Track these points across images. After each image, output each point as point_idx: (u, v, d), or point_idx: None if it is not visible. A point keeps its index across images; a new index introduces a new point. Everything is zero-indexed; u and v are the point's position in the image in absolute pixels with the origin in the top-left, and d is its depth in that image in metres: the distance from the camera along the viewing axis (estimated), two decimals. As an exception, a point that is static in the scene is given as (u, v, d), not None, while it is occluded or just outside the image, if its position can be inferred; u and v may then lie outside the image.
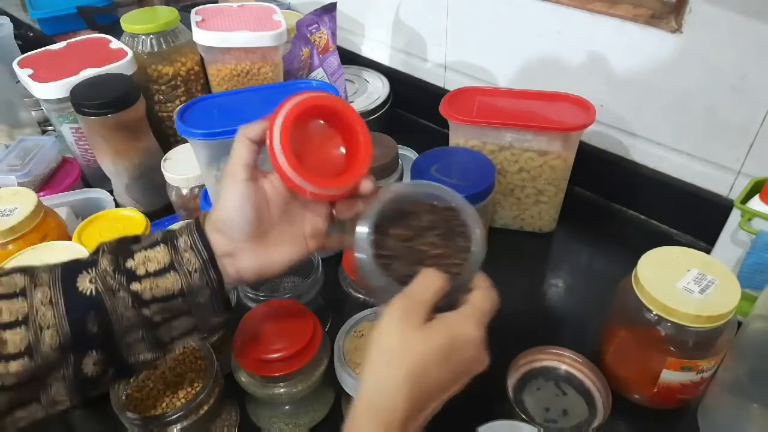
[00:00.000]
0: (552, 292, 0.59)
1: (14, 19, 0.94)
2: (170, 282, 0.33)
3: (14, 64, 0.66)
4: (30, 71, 0.64)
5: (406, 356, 0.29)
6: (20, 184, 0.62)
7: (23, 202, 0.53)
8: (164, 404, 0.43)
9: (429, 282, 0.32)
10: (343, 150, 0.37)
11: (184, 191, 0.62)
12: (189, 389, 0.43)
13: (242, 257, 0.35)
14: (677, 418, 0.47)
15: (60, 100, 0.63)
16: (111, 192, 0.68)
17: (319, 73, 0.64)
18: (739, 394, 0.42)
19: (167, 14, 0.70)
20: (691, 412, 0.46)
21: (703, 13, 0.52)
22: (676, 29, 0.55)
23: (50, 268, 0.34)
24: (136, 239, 0.35)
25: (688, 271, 0.43)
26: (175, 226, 0.37)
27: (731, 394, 0.43)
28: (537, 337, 0.50)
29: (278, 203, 0.36)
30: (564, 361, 0.48)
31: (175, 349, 0.39)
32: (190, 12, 0.69)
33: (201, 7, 0.70)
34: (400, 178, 0.56)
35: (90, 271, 0.33)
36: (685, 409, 0.46)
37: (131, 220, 0.55)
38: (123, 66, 0.65)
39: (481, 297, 0.33)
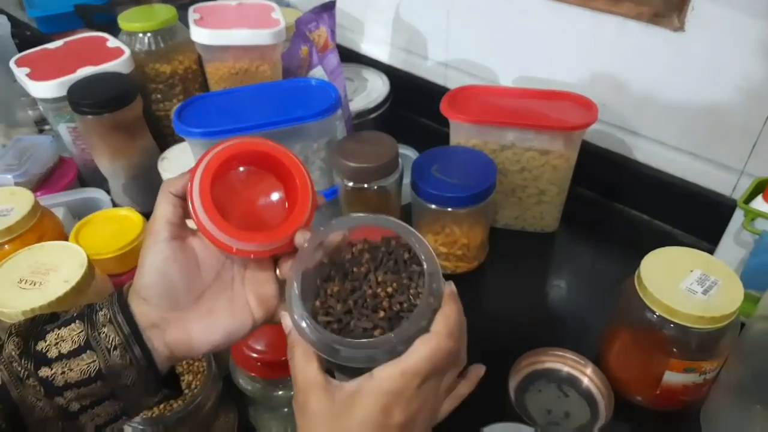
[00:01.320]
0: (554, 293, 0.59)
1: (11, 18, 0.93)
2: (85, 363, 0.29)
3: (11, 63, 0.65)
4: (27, 70, 0.63)
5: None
6: (17, 184, 0.61)
7: (20, 202, 0.52)
8: (162, 406, 0.42)
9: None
10: (280, 198, 0.33)
11: (183, 191, 0.61)
12: (187, 391, 0.43)
13: (171, 329, 0.30)
14: (680, 420, 0.46)
15: (57, 99, 0.63)
16: (108, 192, 0.67)
17: (318, 72, 0.64)
18: (742, 395, 0.42)
19: (165, 12, 0.70)
20: (694, 414, 0.46)
21: (706, 11, 0.52)
22: (679, 28, 0.54)
23: None
24: (52, 317, 0.31)
25: (691, 271, 0.42)
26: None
27: (734, 395, 0.43)
28: (539, 338, 0.50)
29: (211, 265, 0.32)
30: (566, 363, 0.48)
31: None
32: (187, 10, 0.68)
33: (199, 5, 0.70)
34: (401, 178, 0.56)
35: None
36: (688, 410, 0.46)
37: (128, 220, 0.55)
38: (120, 65, 0.64)
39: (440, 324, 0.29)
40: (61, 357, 0.29)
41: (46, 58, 0.66)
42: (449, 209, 0.54)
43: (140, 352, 0.30)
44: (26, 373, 0.28)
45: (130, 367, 0.30)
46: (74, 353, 0.29)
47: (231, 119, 0.52)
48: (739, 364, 0.42)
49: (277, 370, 0.42)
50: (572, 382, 0.47)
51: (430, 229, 0.57)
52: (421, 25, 0.78)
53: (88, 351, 0.29)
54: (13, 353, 0.29)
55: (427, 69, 0.81)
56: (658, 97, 0.59)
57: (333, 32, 0.63)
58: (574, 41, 0.63)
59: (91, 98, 0.60)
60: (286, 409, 0.46)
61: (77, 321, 0.30)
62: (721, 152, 0.57)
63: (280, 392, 0.43)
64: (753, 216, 0.47)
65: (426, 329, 0.29)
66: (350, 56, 0.88)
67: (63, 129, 0.67)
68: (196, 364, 0.45)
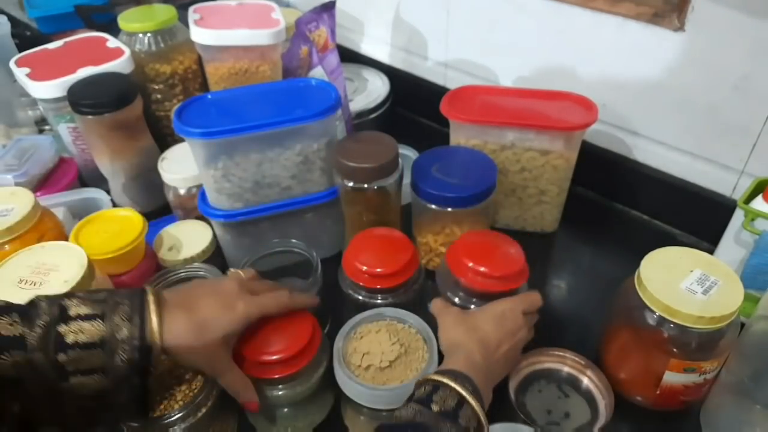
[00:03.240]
0: (554, 293, 0.59)
1: (11, 18, 0.93)
2: (95, 329, 0.33)
3: (11, 63, 0.65)
4: (27, 70, 0.63)
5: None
6: (17, 184, 0.61)
7: (20, 202, 0.52)
8: (162, 406, 0.42)
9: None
10: None
11: (182, 191, 0.61)
12: (187, 391, 0.43)
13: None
14: (680, 420, 0.46)
15: (57, 100, 0.63)
16: (108, 192, 0.67)
17: (318, 72, 0.64)
18: (742, 395, 0.42)
19: (165, 12, 0.69)
20: (694, 414, 0.46)
21: (706, 11, 0.52)
22: (679, 28, 0.54)
23: None
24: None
25: (691, 271, 0.42)
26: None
27: (734, 395, 0.43)
28: (539, 338, 0.50)
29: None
30: (566, 363, 0.48)
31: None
32: (187, 10, 0.68)
33: (199, 5, 0.70)
34: (401, 178, 0.56)
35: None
36: (688, 410, 0.46)
37: (128, 220, 0.55)
38: (120, 65, 0.64)
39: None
40: (77, 318, 0.33)
41: (46, 58, 0.66)
42: (449, 209, 0.54)
43: (139, 353, 0.34)
44: (47, 324, 0.32)
45: (128, 350, 0.34)
46: (88, 317, 0.33)
47: (231, 119, 0.52)
48: (739, 364, 0.42)
49: (278, 370, 0.42)
50: (572, 382, 0.47)
51: (430, 229, 0.57)
52: (421, 25, 0.78)
53: (97, 320, 0.33)
54: (44, 306, 0.33)
55: (427, 69, 0.81)
56: (658, 97, 0.59)
57: (333, 32, 0.63)
58: (574, 41, 0.63)
59: (91, 98, 0.60)
60: (286, 409, 0.46)
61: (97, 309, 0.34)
62: (721, 152, 0.57)
63: (281, 392, 0.43)
64: (753, 216, 0.47)
65: None
66: (350, 56, 0.88)
67: (63, 129, 0.67)
68: (196, 364, 0.45)
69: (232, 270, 0.45)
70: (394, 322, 0.46)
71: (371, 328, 0.45)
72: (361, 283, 0.48)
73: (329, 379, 0.44)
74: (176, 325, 0.36)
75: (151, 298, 0.36)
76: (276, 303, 0.41)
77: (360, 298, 0.49)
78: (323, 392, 0.47)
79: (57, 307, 0.33)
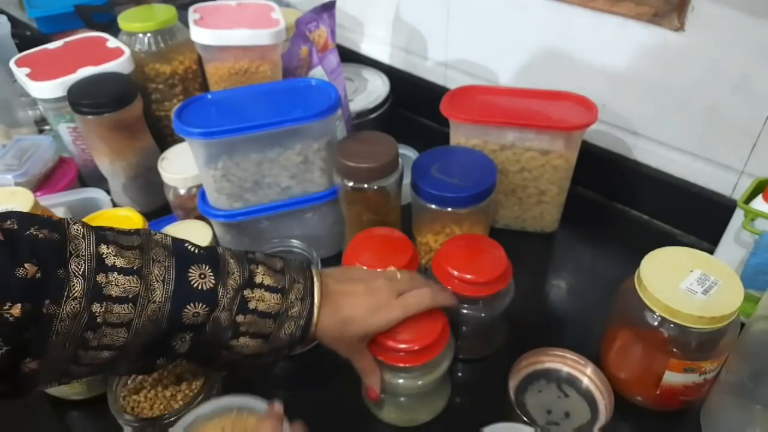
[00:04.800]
0: (554, 294, 0.59)
1: (11, 18, 0.93)
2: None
3: (11, 63, 0.65)
4: (27, 70, 0.63)
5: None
6: (17, 184, 0.61)
7: (20, 202, 0.52)
8: (162, 406, 0.42)
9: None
10: None
11: (182, 191, 0.61)
12: (187, 391, 0.43)
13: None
14: (680, 419, 0.46)
15: (57, 100, 0.63)
16: (108, 192, 0.67)
17: (318, 72, 0.64)
18: (742, 395, 0.42)
19: (165, 12, 0.70)
20: (694, 414, 0.46)
21: (706, 11, 0.52)
22: (679, 28, 0.54)
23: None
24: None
25: (691, 271, 0.42)
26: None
27: (734, 395, 0.43)
28: (539, 338, 0.50)
29: None
30: (566, 363, 0.48)
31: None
32: (187, 10, 0.68)
33: (199, 5, 0.70)
34: (401, 178, 0.56)
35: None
36: (688, 410, 0.46)
37: (128, 220, 0.55)
38: (120, 65, 0.64)
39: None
40: (261, 286, 0.37)
41: (46, 58, 0.66)
42: (449, 209, 0.54)
43: (301, 331, 0.38)
44: (238, 287, 0.36)
45: (293, 327, 0.38)
46: (270, 289, 0.37)
47: (231, 119, 0.52)
48: (739, 364, 0.42)
49: (401, 358, 0.42)
50: (572, 382, 0.47)
51: (430, 229, 0.57)
52: (421, 25, 0.78)
53: (278, 294, 0.37)
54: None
55: (427, 69, 0.81)
56: (658, 97, 0.59)
57: (333, 32, 0.63)
58: (574, 41, 0.63)
59: (91, 98, 0.60)
60: (402, 399, 0.46)
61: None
62: (721, 152, 0.57)
63: (400, 381, 0.43)
64: (753, 216, 0.47)
65: None
66: (350, 56, 0.88)
67: (63, 129, 0.67)
68: (196, 364, 0.45)
69: (392, 268, 0.46)
70: (244, 414, 0.37)
71: (211, 428, 0.37)
72: None
73: (445, 382, 0.45)
74: (325, 318, 0.39)
75: (317, 285, 0.39)
76: (417, 305, 0.41)
77: None
78: (438, 392, 0.47)
79: (246, 270, 0.36)
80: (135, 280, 0.32)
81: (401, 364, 0.41)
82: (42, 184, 0.66)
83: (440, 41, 0.77)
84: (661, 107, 0.60)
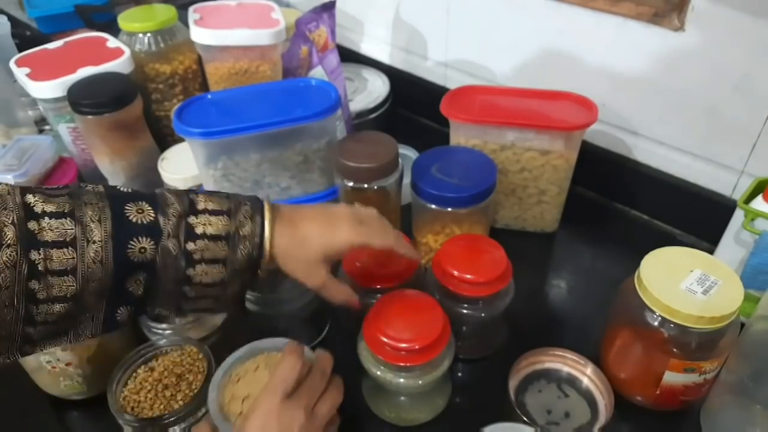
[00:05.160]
0: (554, 293, 0.59)
1: (11, 18, 0.93)
2: (222, 224, 0.36)
3: (11, 63, 0.65)
4: (27, 70, 0.63)
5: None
6: (17, 184, 0.61)
7: (19, 202, 0.52)
8: (162, 406, 0.42)
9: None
10: None
11: (183, 191, 0.61)
12: (187, 391, 0.43)
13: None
14: (680, 419, 0.46)
15: (57, 99, 0.63)
16: (109, 192, 0.67)
17: (318, 72, 0.64)
18: (742, 395, 0.42)
19: (165, 12, 0.69)
20: (694, 414, 0.46)
21: (706, 11, 0.52)
22: (679, 27, 0.54)
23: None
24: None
25: (691, 271, 0.42)
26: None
27: (734, 395, 0.43)
28: (539, 338, 0.50)
29: None
30: (566, 363, 0.48)
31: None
32: (187, 10, 0.68)
33: (199, 5, 0.70)
34: (401, 178, 0.56)
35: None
36: (688, 410, 0.46)
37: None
38: (120, 65, 0.64)
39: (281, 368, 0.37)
40: (205, 211, 0.36)
41: (46, 58, 0.66)
42: (449, 209, 0.54)
43: (256, 250, 0.37)
44: (179, 214, 0.35)
45: (248, 246, 0.37)
46: (215, 212, 0.36)
47: (231, 119, 0.53)
48: (739, 364, 0.42)
49: (402, 357, 0.42)
50: (572, 382, 0.47)
51: (430, 229, 0.57)
52: (421, 25, 0.78)
53: (224, 215, 0.36)
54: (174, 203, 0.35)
55: (427, 69, 0.81)
56: (658, 97, 0.59)
57: (333, 32, 0.63)
58: (574, 41, 0.63)
59: (91, 98, 0.60)
60: (402, 398, 0.46)
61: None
62: (721, 152, 0.57)
63: (401, 381, 0.43)
64: (753, 216, 0.47)
65: None
66: (350, 56, 0.88)
67: (63, 129, 0.67)
68: (197, 363, 0.45)
69: (356, 204, 0.46)
70: (273, 352, 0.43)
71: (247, 367, 0.42)
72: (360, 284, 0.48)
73: (445, 382, 0.45)
74: (280, 236, 0.38)
75: (266, 205, 0.38)
76: (382, 239, 0.40)
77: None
78: (439, 392, 0.47)
79: (186, 199, 0.36)
80: (69, 222, 0.32)
81: (402, 363, 0.41)
82: (42, 183, 0.66)
83: (440, 41, 0.77)
84: (661, 107, 0.60)
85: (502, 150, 0.59)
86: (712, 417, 0.44)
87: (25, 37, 0.94)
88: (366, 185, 0.53)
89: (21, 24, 0.99)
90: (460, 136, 0.60)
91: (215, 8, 0.69)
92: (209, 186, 0.56)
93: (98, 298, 0.33)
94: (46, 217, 0.32)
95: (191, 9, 0.68)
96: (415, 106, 0.84)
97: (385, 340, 0.41)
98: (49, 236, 0.31)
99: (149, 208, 0.34)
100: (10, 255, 0.30)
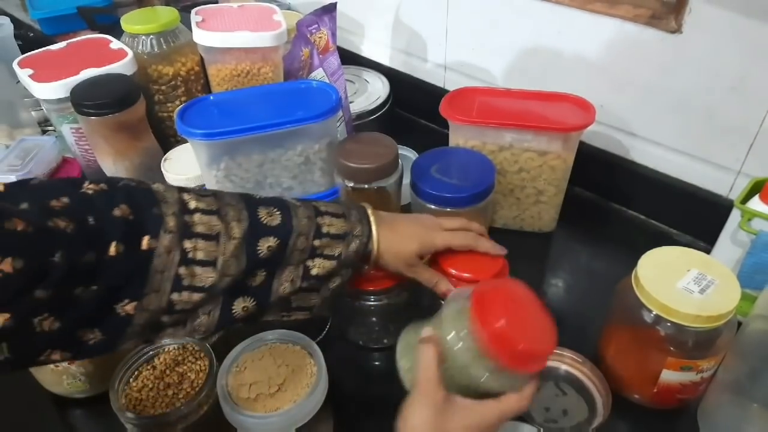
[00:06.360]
0: (552, 293, 0.59)
1: (14, 20, 0.94)
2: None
3: (14, 65, 0.65)
4: (30, 71, 0.64)
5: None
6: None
7: (23, 202, 0.52)
8: (164, 404, 0.43)
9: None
10: None
11: (184, 191, 0.62)
12: (189, 389, 0.43)
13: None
14: (677, 418, 0.47)
15: (60, 101, 0.63)
16: (111, 192, 0.67)
17: (319, 74, 0.64)
18: (739, 394, 0.42)
19: (167, 14, 0.70)
20: (691, 413, 0.46)
21: (703, 13, 0.52)
22: (676, 30, 0.55)
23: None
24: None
25: (688, 271, 0.43)
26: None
27: (731, 394, 0.43)
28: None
29: None
30: (564, 361, 0.48)
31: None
32: (190, 12, 0.69)
33: (201, 7, 0.70)
34: (400, 178, 0.56)
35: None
36: (685, 409, 0.46)
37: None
38: (123, 66, 0.65)
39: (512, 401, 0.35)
40: (327, 213, 0.41)
41: (49, 59, 0.67)
42: (448, 209, 0.54)
43: (365, 247, 0.42)
44: (310, 216, 0.40)
45: (359, 243, 0.41)
46: (336, 215, 0.42)
47: (233, 120, 0.53)
48: (735, 363, 0.42)
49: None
50: (570, 380, 0.48)
51: (430, 229, 0.57)
52: (420, 27, 0.79)
53: (342, 218, 0.42)
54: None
55: (427, 71, 0.81)
56: (656, 98, 0.60)
57: (334, 35, 0.64)
58: (572, 43, 0.63)
59: (94, 99, 0.60)
60: None
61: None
62: (718, 153, 0.58)
63: None
64: (750, 216, 0.48)
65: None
66: (351, 58, 0.89)
67: (66, 130, 0.67)
68: (199, 362, 0.45)
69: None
70: (277, 343, 0.45)
71: (253, 356, 0.44)
72: (354, 286, 0.48)
73: None
74: (383, 235, 0.43)
75: (371, 211, 0.44)
76: (461, 241, 0.46)
77: (351, 300, 0.49)
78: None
79: (311, 206, 0.41)
80: (216, 219, 0.36)
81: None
82: (45, 184, 0.67)
83: (439, 44, 0.77)
84: (658, 108, 0.60)
85: (501, 151, 0.60)
86: (709, 415, 0.45)
87: (28, 39, 0.94)
88: (366, 185, 0.53)
89: (24, 25, 1.00)
90: (459, 137, 0.61)
91: (217, 11, 0.70)
92: (211, 186, 0.56)
93: (224, 293, 0.36)
94: (198, 213, 0.36)
95: (194, 11, 0.69)
96: (414, 108, 0.84)
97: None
98: (200, 229, 0.35)
99: (278, 212, 0.39)
100: (170, 241, 0.34)
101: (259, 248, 0.37)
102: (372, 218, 0.43)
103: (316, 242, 0.39)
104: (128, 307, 0.32)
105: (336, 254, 0.40)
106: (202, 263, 0.35)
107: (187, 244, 0.34)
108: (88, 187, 0.33)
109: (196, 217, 0.35)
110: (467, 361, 0.33)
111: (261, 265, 0.37)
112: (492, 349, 0.33)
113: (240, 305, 0.37)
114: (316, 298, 0.41)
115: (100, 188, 0.33)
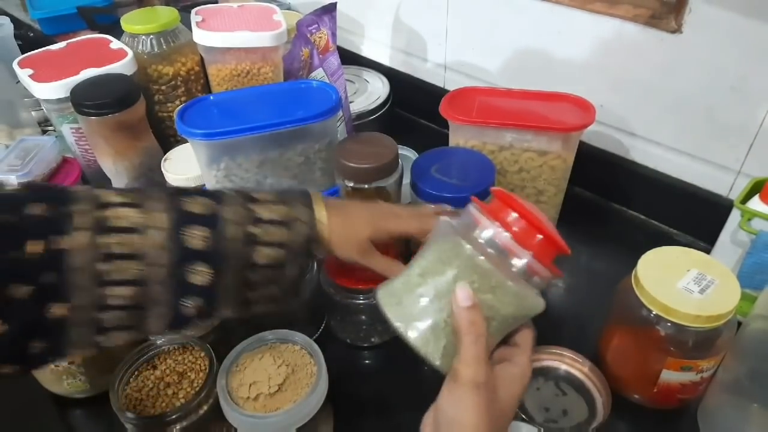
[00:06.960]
0: (552, 292, 0.59)
1: (14, 19, 0.94)
2: (283, 210, 0.39)
3: (14, 65, 0.65)
4: (30, 71, 0.64)
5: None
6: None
7: (23, 202, 0.52)
8: (164, 404, 0.43)
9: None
10: None
11: (184, 191, 0.62)
12: (188, 389, 0.43)
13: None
14: (677, 418, 0.47)
15: (60, 101, 0.63)
16: (111, 192, 0.67)
17: (319, 74, 0.64)
18: (739, 394, 0.42)
19: (167, 14, 0.70)
20: (691, 413, 0.46)
21: (703, 13, 0.52)
22: (676, 29, 0.55)
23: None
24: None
25: (688, 271, 0.43)
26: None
27: (731, 394, 0.43)
28: (537, 337, 0.50)
29: None
30: (564, 361, 0.48)
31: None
32: (190, 12, 0.69)
33: (201, 7, 0.70)
34: (400, 178, 0.56)
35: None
36: (685, 409, 0.46)
37: (131, 220, 0.55)
38: (123, 66, 0.65)
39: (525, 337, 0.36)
40: (266, 201, 0.39)
41: (49, 59, 0.67)
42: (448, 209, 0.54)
43: (313, 232, 0.40)
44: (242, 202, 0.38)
45: (306, 228, 0.39)
46: (275, 202, 0.39)
47: (233, 120, 0.53)
48: (736, 363, 0.42)
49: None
50: (570, 380, 0.48)
51: (430, 229, 0.57)
52: (420, 27, 0.79)
53: (282, 204, 0.39)
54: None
55: (427, 71, 0.81)
56: (656, 98, 0.60)
57: (334, 34, 0.64)
58: (572, 43, 0.63)
59: (94, 99, 0.60)
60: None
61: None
62: (718, 153, 0.58)
63: None
64: (749, 216, 0.48)
65: None
66: (351, 58, 0.89)
67: (66, 130, 0.67)
68: (199, 362, 0.45)
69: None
70: (277, 343, 0.45)
71: (253, 356, 0.44)
72: (342, 284, 0.48)
73: None
74: (333, 220, 0.41)
75: (317, 197, 0.42)
76: (417, 226, 0.44)
77: (339, 299, 0.50)
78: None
79: (244, 193, 0.39)
80: (136, 212, 0.35)
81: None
82: (45, 184, 0.67)
83: (439, 43, 0.77)
84: (658, 108, 0.60)
85: (501, 151, 0.60)
86: (709, 415, 0.45)
87: (28, 39, 0.94)
88: (366, 185, 0.53)
89: (24, 25, 1.00)
90: (459, 137, 0.61)
91: (217, 10, 0.70)
92: (211, 186, 0.56)
93: (163, 287, 0.35)
94: (117, 207, 0.35)
95: (194, 11, 0.69)
96: (414, 108, 0.84)
97: None
98: (117, 223, 0.34)
99: (209, 201, 0.37)
100: (83, 238, 0.33)
101: (189, 237, 0.35)
102: (319, 203, 0.41)
103: (255, 230, 0.37)
104: (58, 309, 0.32)
105: (280, 241, 0.38)
106: (125, 257, 0.34)
107: (103, 239, 0.33)
108: (7, 186, 0.34)
109: (112, 211, 0.34)
110: (491, 270, 0.31)
111: (197, 257, 0.35)
112: (525, 236, 0.33)
113: (189, 302, 0.36)
114: (275, 290, 0.39)
115: (17, 188, 0.34)
